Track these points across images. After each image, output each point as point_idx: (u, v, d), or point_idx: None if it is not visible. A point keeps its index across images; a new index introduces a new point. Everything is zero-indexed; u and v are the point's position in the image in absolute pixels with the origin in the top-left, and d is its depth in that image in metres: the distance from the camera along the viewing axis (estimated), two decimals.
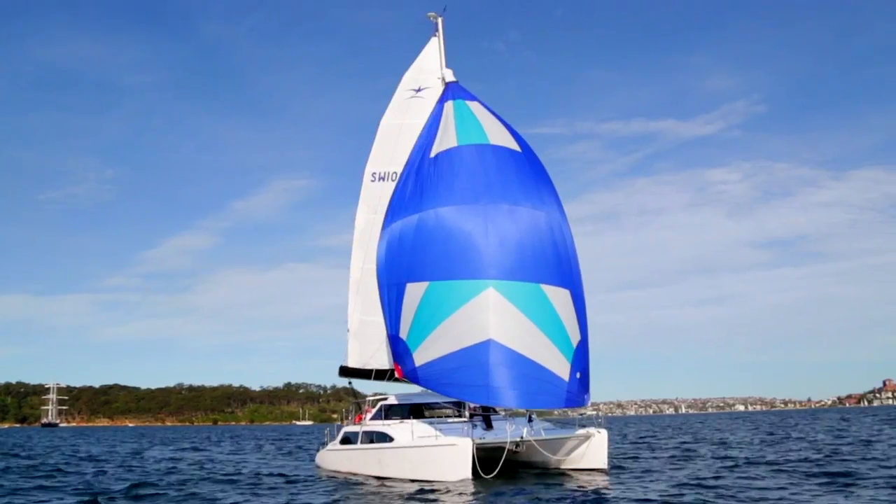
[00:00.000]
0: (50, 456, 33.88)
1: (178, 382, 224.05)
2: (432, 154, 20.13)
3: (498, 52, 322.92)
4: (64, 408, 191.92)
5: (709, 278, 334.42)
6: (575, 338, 19.15)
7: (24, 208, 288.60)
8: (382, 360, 21.34)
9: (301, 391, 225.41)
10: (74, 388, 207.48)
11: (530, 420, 19.77)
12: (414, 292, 18.57)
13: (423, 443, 18.27)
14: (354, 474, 20.32)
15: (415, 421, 19.88)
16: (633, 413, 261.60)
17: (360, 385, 25.46)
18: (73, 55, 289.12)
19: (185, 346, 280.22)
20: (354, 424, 22.16)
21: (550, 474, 18.61)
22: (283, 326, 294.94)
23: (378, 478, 19.01)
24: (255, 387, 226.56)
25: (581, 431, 19.71)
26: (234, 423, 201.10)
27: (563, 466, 19.68)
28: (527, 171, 20.31)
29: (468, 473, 16.91)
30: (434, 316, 18.26)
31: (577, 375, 18.98)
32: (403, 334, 18.72)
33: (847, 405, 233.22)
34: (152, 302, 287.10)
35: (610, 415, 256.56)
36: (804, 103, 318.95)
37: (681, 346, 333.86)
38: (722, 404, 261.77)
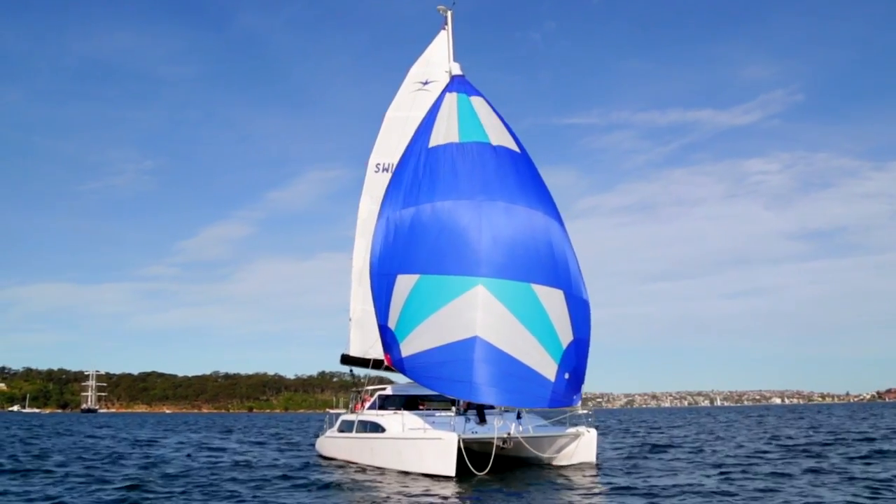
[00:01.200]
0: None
1: (214, 370, 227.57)
2: (431, 145, 20.13)
3: (533, 42, 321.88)
4: (103, 394, 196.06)
5: (745, 270, 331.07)
6: (566, 338, 18.97)
7: (65, 199, 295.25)
8: (381, 351, 21.48)
9: (335, 379, 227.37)
10: (114, 374, 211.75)
11: (519, 417, 19.74)
12: (404, 284, 18.58)
13: (411, 435, 18.42)
14: (349, 462, 20.57)
15: (408, 412, 20.00)
16: (667, 405, 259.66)
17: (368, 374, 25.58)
18: (112, 47, 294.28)
19: (222, 334, 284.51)
20: (352, 413, 22.43)
21: (536, 471, 18.59)
22: (318, 315, 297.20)
23: (370, 466, 19.22)
24: (290, 375, 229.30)
25: (571, 430, 19.69)
26: (268, 410, 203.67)
27: (552, 463, 19.67)
28: (525, 171, 20.27)
29: (453, 467, 16.87)
30: (422, 309, 18.27)
31: (566, 376, 18.85)
32: (392, 324, 18.74)
33: (886, 400, 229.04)
34: (190, 291, 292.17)
35: (644, 406, 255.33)
36: (844, 92, 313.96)
37: (717, 338, 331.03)
38: (758, 397, 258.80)
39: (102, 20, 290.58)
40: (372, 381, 23.79)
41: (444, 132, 20.17)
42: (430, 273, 18.27)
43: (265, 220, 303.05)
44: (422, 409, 20.90)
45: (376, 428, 20.16)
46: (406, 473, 17.51)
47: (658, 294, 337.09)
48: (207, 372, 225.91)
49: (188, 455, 24.48)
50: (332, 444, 22.45)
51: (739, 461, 19.87)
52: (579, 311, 19.59)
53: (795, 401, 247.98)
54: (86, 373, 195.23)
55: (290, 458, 22.91)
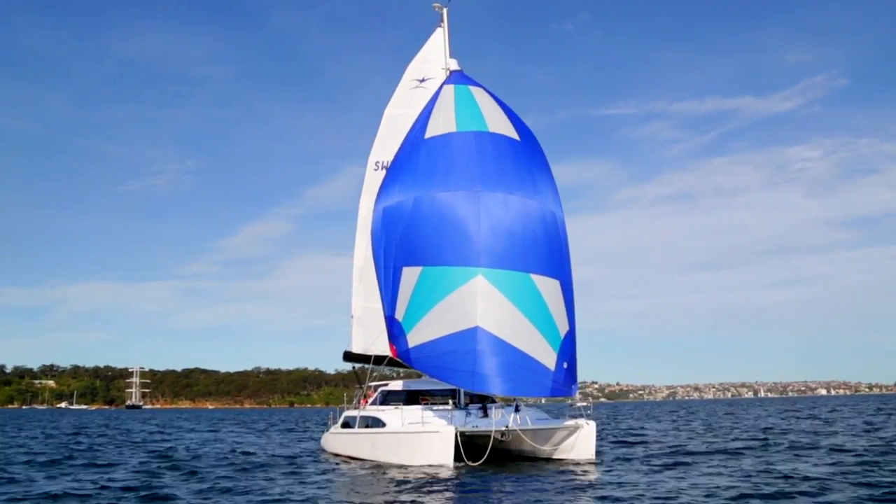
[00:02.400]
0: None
1: (255, 366, 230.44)
2: (427, 135, 20.15)
3: (567, 34, 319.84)
4: (147, 390, 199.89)
5: (788, 259, 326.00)
6: (563, 328, 19.09)
7: (108, 199, 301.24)
8: (383, 347, 21.63)
9: (374, 374, 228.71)
10: (158, 371, 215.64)
11: (517, 409, 19.83)
12: (409, 276, 18.72)
13: (410, 429, 18.65)
14: (352, 457, 20.82)
15: (409, 407, 20.21)
16: (710, 396, 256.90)
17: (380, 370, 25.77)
18: (151, 49, 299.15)
19: (263, 330, 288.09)
20: (354, 409, 22.69)
21: (534, 464, 18.65)
22: None
23: (372, 461, 19.45)
24: (330, 370, 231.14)
25: (570, 422, 19.69)
26: (309, 405, 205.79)
27: (550, 456, 19.70)
28: (524, 160, 20.24)
29: (450, 460, 17.17)
30: (427, 300, 18.43)
31: (564, 365, 18.93)
32: (399, 316, 18.88)
33: None
34: (231, 288, 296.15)
35: (687, 398, 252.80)
36: (888, 76, 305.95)
37: (760, 329, 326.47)
38: (804, 388, 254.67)
39: (140, 23, 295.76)
40: (374, 377, 24.03)
41: (442, 123, 20.18)
42: (432, 265, 18.42)
43: (303, 216, 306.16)
44: (423, 404, 21.06)
45: (377, 423, 20.42)
46: (406, 467, 17.66)
47: (699, 284, 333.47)
48: (249, 368, 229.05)
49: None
50: (336, 439, 22.75)
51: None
52: (571, 301, 19.67)
53: (842, 392, 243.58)
54: (130, 370, 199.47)
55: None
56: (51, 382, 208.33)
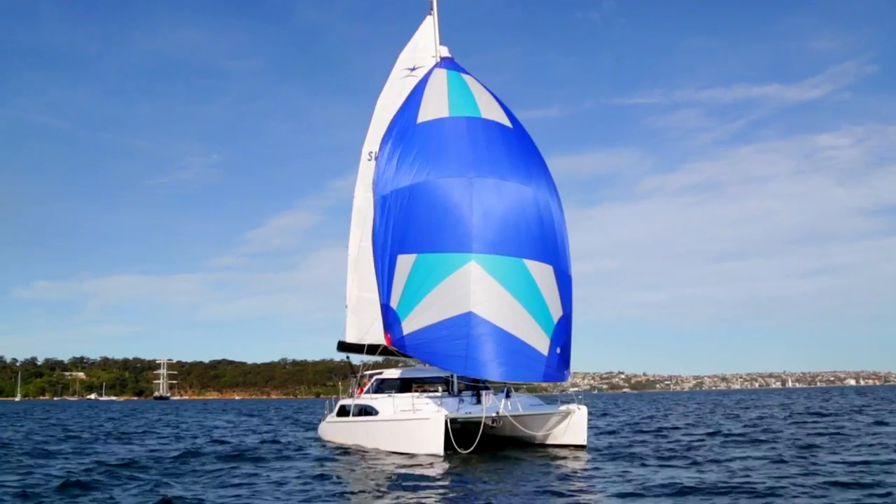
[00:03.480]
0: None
1: (282, 357, 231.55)
2: (420, 120, 20.16)
3: (592, 22, 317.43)
4: (174, 382, 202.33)
5: (818, 248, 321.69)
6: (556, 313, 19.17)
7: (137, 193, 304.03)
8: (376, 336, 21.78)
9: (399, 364, 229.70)
10: (186, 363, 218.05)
11: (508, 395, 19.92)
12: (404, 264, 18.82)
13: (401, 416, 18.80)
14: (347, 445, 21.03)
15: (401, 395, 20.36)
16: (737, 387, 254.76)
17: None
18: (178, 44, 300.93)
19: (290, 321, 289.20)
20: (349, 398, 22.90)
21: (527, 450, 18.75)
22: None
23: (366, 449, 19.64)
24: (356, 361, 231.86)
25: (561, 408, 19.75)
26: (335, 396, 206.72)
27: (542, 442, 19.78)
28: (516, 146, 20.32)
29: (440, 447, 17.28)
30: (421, 287, 18.54)
31: (557, 350, 19.04)
32: (394, 304, 18.99)
33: None
34: (258, 280, 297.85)
35: (714, 388, 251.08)
36: None
37: (789, 319, 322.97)
38: (832, 378, 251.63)
39: (167, 18, 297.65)
40: (370, 366, 24.25)
41: (434, 107, 20.21)
42: (427, 251, 18.53)
43: (330, 208, 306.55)
44: (416, 392, 21.21)
45: (370, 411, 20.60)
46: (399, 454, 17.86)
47: (727, 274, 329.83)
48: (276, 359, 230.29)
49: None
50: (332, 428, 23.00)
51: None
52: (566, 287, 19.73)
53: (871, 382, 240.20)
54: (158, 361, 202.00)
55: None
56: (81, 374, 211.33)
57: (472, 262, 18.29)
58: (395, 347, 19.20)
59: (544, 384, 21.16)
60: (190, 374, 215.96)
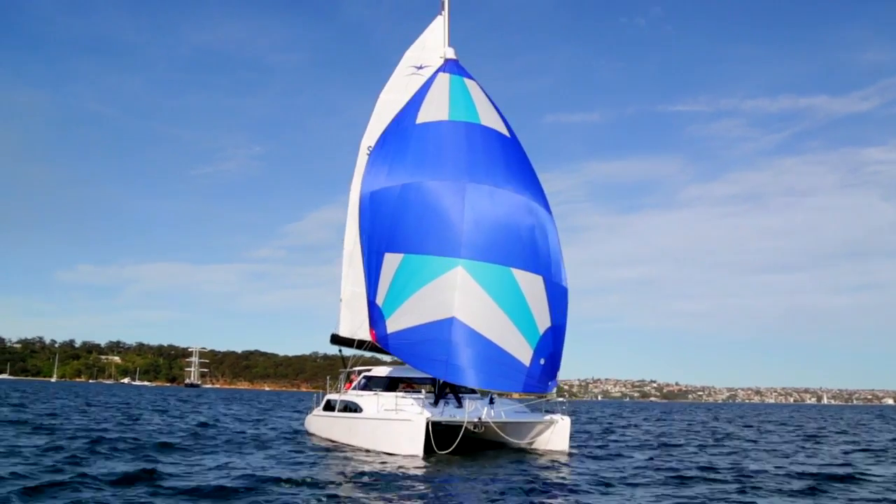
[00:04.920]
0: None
1: (313, 351, 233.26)
2: (419, 121, 20.04)
3: (638, 28, 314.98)
4: (205, 370, 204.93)
5: (861, 263, 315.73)
6: (543, 324, 18.87)
7: (181, 183, 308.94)
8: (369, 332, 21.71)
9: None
10: (219, 352, 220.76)
11: (492, 401, 19.69)
12: (391, 262, 18.70)
13: (383, 415, 18.69)
14: (330, 440, 20.97)
15: (387, 394, 20.25)
16: (772, 401, 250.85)
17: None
18: (224, 37, 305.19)
19: (324, 315, 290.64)
20: (336, 393, 22.86)
21: (507, 457, 18.50)
22: None
23: (348, 445, 19.55)
24: (387, 357, 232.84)
25: (546, 417, 19.53)
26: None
27: (525, 450, 19.52)
28: (513, 155, 20.13)
29: (420, 448, 17.14)
30: (406, 287, 18.42)
31: (541, 361, 18.74)
32: (380, 301, 18.89)
33: None
34: (296, 273, 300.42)
35: (748, 401, 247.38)
36: None
37: (827, 334, 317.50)
38: (870, 396, 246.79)
39: (215, 11, 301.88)
40: (358, 361, 24.17)
41: (435, 109, 20.09)
42: (414, 252, 18.38)
43: None
44: (403, 391, 21.05)
45: (354, 408, 20.51)
46: (380, 453, 17.76)
47: (766, 286, 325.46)
48: (307, 352, 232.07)
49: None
50: (317, 422, 22.98)
51: None
52: (557, 298, 19.42)
53: None
54: (191, 349, 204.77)
55: None
56: (116, 358, 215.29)
57: (459, 267, 18.08)
58: (379, 344, 19.10)
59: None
60: (222, 364, 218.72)
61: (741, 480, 13.93)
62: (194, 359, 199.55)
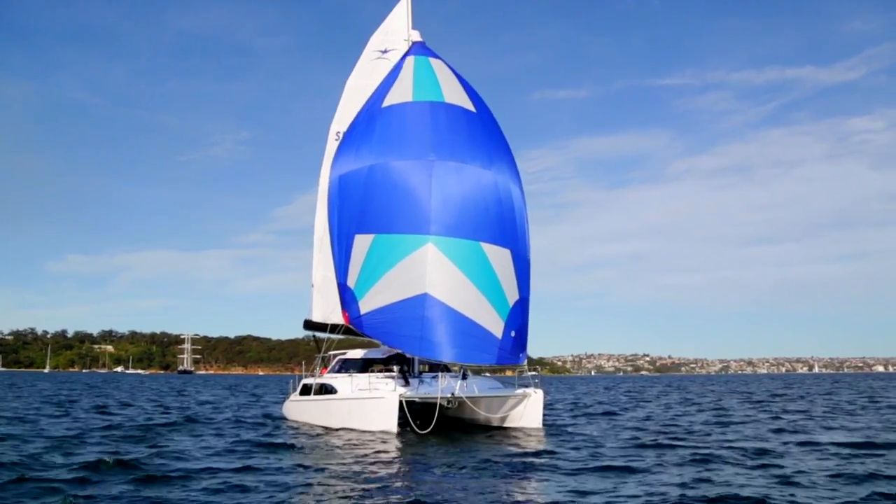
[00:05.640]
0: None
1: (307, 334, 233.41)
2: (384, 104, 20.22)
3: (625, 3, 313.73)
4: (198, 357, 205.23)
5: (849, 233, 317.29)
6: (512, 297, 19.17)
7: (168, 170, 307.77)
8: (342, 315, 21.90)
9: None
10: (212, 338, 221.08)
11: (464, 377, 19.98)
12: (362, 244, 18.93)
13: (357, 395, 19.00)
14: (308, 423, 21.25)
15: (361, 374, 20.56)
16: (764, 371, 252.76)
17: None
18: (209, 22, 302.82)
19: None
20: (311, 377, 23.12)
21: (481, 432, 18.82)
22: None
23: (324, 427, 19.83)
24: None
25: (518, 391, 19.82)
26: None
27: (498, 424, 19.85)
28: (479, 131, 20.26)
29: (394, 425, 17.59)
30: (378, 267, 18.65)
31: (512, 334, 19.06)
32: (351, 283, 19.11)
33: None
34: (286, 257, 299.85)
35: (740, 372, 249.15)
36: None
37: (818, 304, 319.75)
38: (861, 364, 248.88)
39: None
40: (332, 345, 24.41)
41: (399, 92, 20.27)
42: (384, 232, 18.63)
43: None
44: (378, 372, 21.34)
45: (330, 389, 20.80)
46: (356, 431, 18.11)
47: (755, 258, 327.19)
48: (301, 336, 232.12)
49: None
50: (294, 406, 23.24)
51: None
52: (524, 271, 19.73)
53: None
54: (183, 336, 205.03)
55: None
56: (109, 347, 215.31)
57: (429, 244, 18.34)
58: (353, 326, 19.34)
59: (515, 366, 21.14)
60: (216, 350, 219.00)
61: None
62: (186, 345, 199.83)
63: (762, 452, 14.14)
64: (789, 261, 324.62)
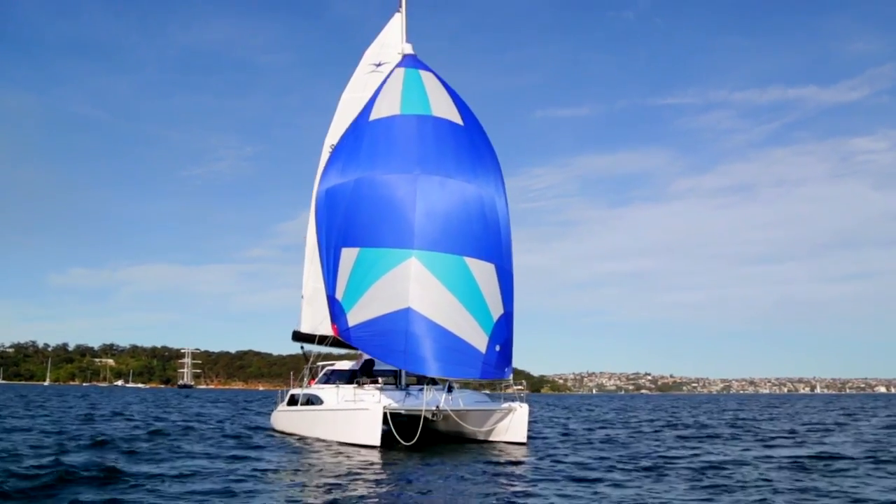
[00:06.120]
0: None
1: (309, 349, 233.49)
2: (372, 118, 20.37)
3: (626, 21, 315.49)
4: (198, 371, 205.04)
5: (852, 252, 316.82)
6: (496, 311, 19.24)
7: (171, 184, 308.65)
8: (330, 326, 21.98)
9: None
10: (213, 353, 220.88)
11: (450, 390, 20.03)
12: (348, 256, 19.07)
13: (342, 406, 19.05)
14: (294, 434, 21.30)
15: (347, 386, 20.62)
16: (766, 391, 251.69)
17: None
18: (213, 38, 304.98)
19: None
20: (299, 388, 23.19)
21: (465, 445, 18.86)
22: None
23: (310, 438, 19.89)
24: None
25: (504, 405, 19.85)
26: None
27: (483, 438, 19.87)
28: (465, 145, 20.37)
29: (377, 437, 17.55)
30: (364, 280, 18.77)
31: (497, 348, 19.12)
32: (339, 296, 19.24)
33: None
34: (289, 272, 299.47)
35: (742, 392, 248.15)
36: None
37: (820, 324, 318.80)
38: (863, 385, 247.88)
39: (202, 12, 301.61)
40: (321, 357, 24.51)
41: (387, 105, 20.40)
42: (369, 246, 18.75)
43: None
44: (364, 383, 21.39)
45: (316, 400, 20.87)
46: (341, 444, 18.15)
47: (758, 277, 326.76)
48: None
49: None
50: (281, 417, 23.31)
51: None
52: (508, 285, 19.80)
53: None
54: (183, 351, 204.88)
55: None
56: (110, 361, 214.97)
57: (413, 258, 18.44)
58: (342, 338, 19.43)
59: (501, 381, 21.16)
60: (217, 364, 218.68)
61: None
62: (187, 360, 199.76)
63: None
64: (792, 280, 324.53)
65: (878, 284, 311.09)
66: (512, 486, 11.72)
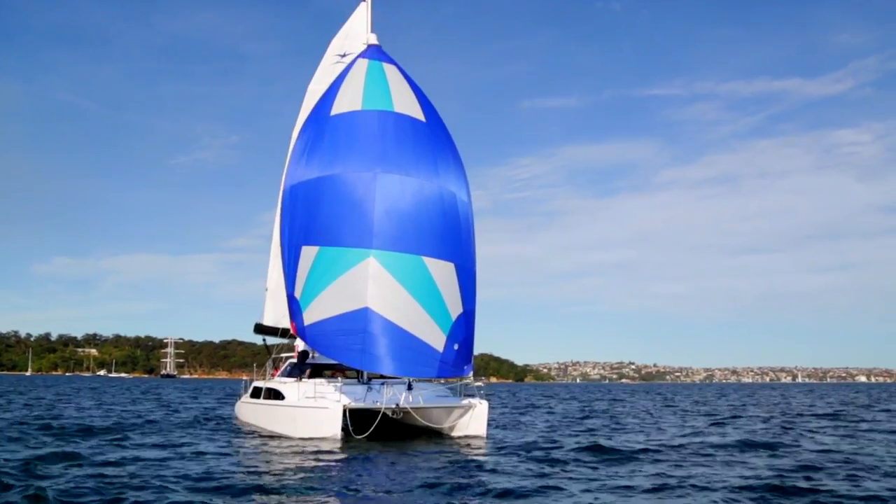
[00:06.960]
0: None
1: (293, 339, 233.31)
2: (333, 112, 20.16)
3: (613, 12, 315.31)
4: (181, 361, 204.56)
5: (835, 244, 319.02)
6: (455, 310, 19.22)
7: (156, 172, 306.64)
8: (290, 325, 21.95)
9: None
10: (196, 342, 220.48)
11: (410, 387, 20.06)
12: (308, 255, 18.99)
13: (302, 403, 19.06)
14: (255, 427, 21.29)
15: (309, 381, 20.55)
16: (748, 380, 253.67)
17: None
18: (198, 26, 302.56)
19: None
20: (261, 380, 23.17)
21: (424, 440, 18.90)
22: None
23: (270, 432, 19.87)
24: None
25: (464, 402, 19.91)
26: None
27: (445, 434, 19.92)
28: (426, 142, 20.20)
29: (338, 434, 17.62)
30: (322, 279, 18.71)
31: (455, 347, 19.15)
32: (298, 294, 19.19)
33: None
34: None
35: (724, 381, 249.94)
36: None
37: (802, 314, 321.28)
38: (844, 374, 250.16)
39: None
40: (283, 349, 24.50)
41: (349, 100, 20.17)
42: (328, 245, 18.68)
43: None
44: (326, 377, 21.40)
45: (277, 395, 20.84)
46: (302, 439, 18.08)
47: (741, 268, 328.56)
48: (286, 340, 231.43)
49: None
50: (244, 409, 23.29)
51: None
52: (469, 284, 19.73)
53: (882, 379, 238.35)
54: (166, 340, 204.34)
55: None
56: (93, 351, 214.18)
57: (371, 258, 18.40)
58: (298, 336, 19.44)
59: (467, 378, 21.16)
60: (200, 354, 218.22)
61: None
62: (169, 349, 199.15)
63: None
64: (775, 271, 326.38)
65: (860, 275, 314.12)
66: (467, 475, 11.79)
